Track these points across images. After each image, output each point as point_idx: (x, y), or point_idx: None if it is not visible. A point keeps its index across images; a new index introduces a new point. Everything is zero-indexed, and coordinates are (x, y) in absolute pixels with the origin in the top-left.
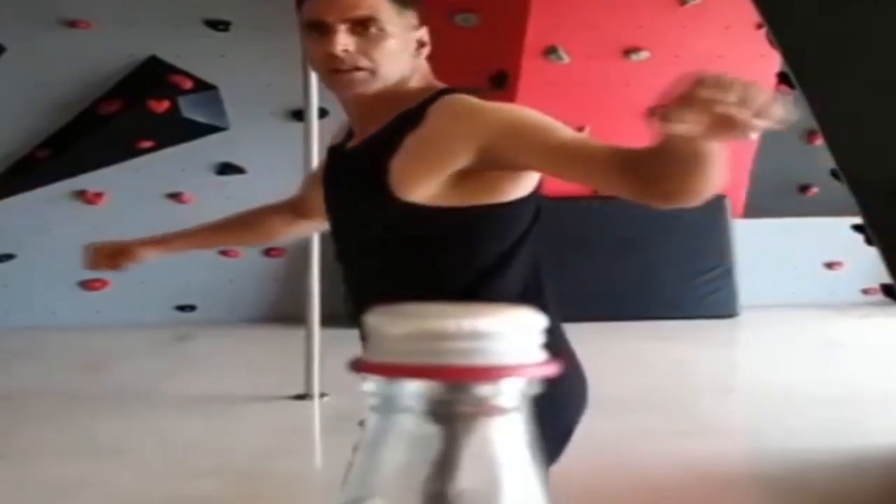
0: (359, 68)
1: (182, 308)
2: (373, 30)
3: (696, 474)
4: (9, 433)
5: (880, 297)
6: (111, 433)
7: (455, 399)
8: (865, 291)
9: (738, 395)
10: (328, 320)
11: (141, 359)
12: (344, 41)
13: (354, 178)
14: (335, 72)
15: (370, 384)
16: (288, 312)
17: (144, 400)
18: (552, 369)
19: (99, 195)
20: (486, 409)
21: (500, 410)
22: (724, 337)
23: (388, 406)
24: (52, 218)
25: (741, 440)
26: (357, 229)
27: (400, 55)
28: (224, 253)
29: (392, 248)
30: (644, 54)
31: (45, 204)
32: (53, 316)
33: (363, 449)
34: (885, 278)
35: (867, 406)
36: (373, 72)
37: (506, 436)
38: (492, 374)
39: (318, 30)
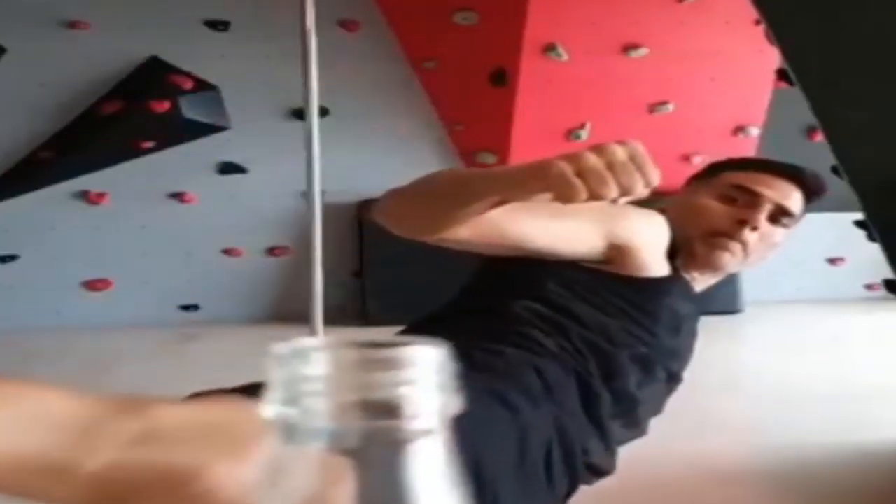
0: (744, 244)
1: (186, 308)
2: (780, 223)
3: (700, 471)
4: None
5: (883, 292)
6: None
7: (365, 427)
8: (868, 287)
9: (743, 392)
10: (332, 320)
11: (145, 358)
12: (762, 220)
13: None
14: (723, 236)
15: (272, 412)
16: (292, 311)
17: None
18: (464, 395)
19: (101, 195)
20: (399, 436)
21: (415, 436)
22: (727, 333)
23: (293, 436)
24: (54, 218)
25: (745, 436)
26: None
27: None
28: (227, 252)
29: None
30: (643, 51)
31: (48, 204)
32: (57, 316)
33: (270, 478)
34: (888, 274)
35: (872, 401)
36: (747, 254)
37: (421, 461)
38: (404, 401)
39: (744, 196)
